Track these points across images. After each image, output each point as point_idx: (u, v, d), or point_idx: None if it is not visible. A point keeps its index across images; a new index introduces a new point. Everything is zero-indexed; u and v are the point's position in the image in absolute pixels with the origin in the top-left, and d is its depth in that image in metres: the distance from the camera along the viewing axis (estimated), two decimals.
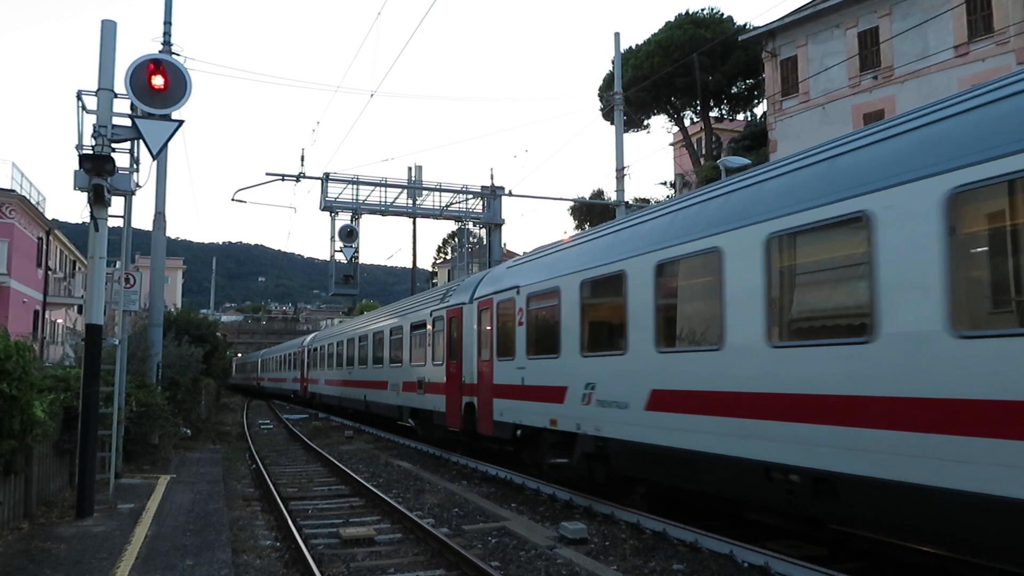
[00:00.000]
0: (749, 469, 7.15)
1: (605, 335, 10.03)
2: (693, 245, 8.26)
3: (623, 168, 22.63)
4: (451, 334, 16.06)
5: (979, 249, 5.63)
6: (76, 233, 43.43)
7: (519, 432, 12.34)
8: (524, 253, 15.00)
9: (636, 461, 9.24)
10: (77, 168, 9.54)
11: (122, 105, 10.19)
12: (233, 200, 24.76)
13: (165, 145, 10.48)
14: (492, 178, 27.87)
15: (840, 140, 6.93)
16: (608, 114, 32.65)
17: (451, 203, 27.45)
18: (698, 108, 42.09)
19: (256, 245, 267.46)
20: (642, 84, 34.44)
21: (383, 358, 22.62)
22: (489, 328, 13.85)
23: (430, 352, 17.79)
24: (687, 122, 44.26)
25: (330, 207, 25.47)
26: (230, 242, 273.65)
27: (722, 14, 40.19)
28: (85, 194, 9.69)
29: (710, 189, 8.78)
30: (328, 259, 26.18)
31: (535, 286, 11.95)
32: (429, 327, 17.98)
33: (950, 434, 5.39)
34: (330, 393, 31.90)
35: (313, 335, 41.01)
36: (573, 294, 10.65)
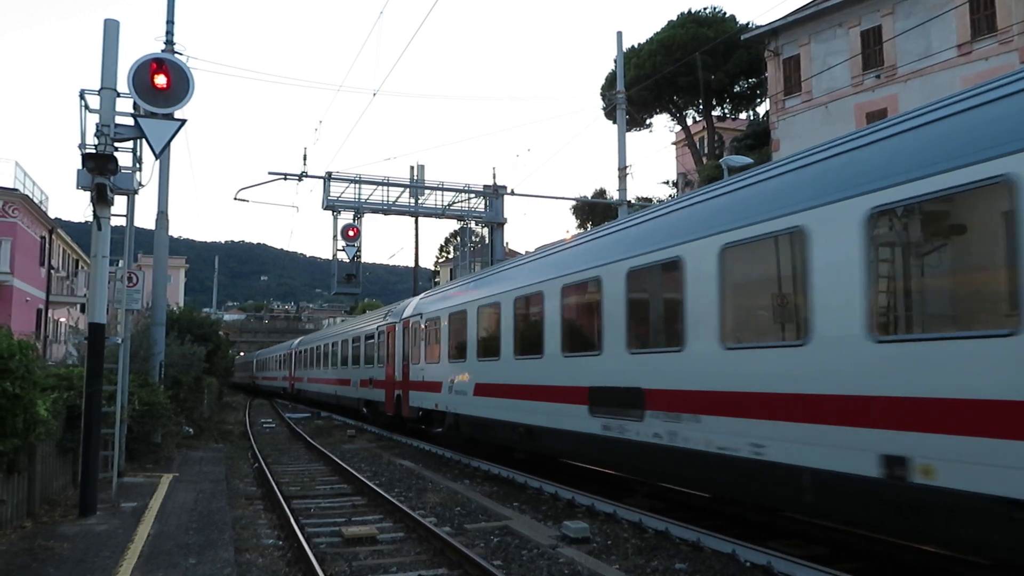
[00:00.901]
0: (510, 427, 12.53)
1: (458, 349, 15.21)
2: (491, 298, 13.73)
3: (625, 167, 22.63)
4: (389, 344, 21.65)
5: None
6: (79, 232, 43.46)
7: (420, 413, 17.93)
8: (434, 286, 20.61)
9: (471, 427, 14.56)
10: (80, 167, 9.55)
11: (125, 104, 10.23)
12: (235, 199, 24.79)
13: (168, 144, 10.51)
14: (494, 177, 27.74)
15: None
16: (610, 113, 32.62)
17: (453, 202, 27.43)
18: (700, 107, 42.04)
19: (259, 244, 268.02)
20: (644, 83, 34.41)
21: (348, 361, 28.23)
22: (408, 341, 19.48)
23: (376, 357, 23.37)
24: (689, 121, 44.19)
25: (332, 206, 25.48)
26: (232, 241, 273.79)
27: (724, 13, 40.16)
28: (88, 193, 9.69)
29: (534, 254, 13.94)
30: (330, 258, 26.25)
31: (429, 314, 17.61)
32: (376, 338, 23.57)
33: (573, 404, 10.38)
34: (311, 389, 38.06)
35: (300, 339, 47.08)
36: (445, 321, 16.25)
